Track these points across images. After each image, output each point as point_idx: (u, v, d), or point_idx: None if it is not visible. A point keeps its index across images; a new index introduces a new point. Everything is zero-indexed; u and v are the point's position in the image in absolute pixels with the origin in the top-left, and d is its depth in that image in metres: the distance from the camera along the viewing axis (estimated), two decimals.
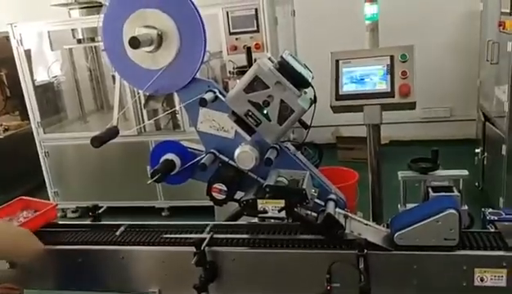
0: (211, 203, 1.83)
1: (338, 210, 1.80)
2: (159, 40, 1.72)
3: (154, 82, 1.76)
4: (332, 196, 1.84)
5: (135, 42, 1.62)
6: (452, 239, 1.65)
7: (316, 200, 1.82)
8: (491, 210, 1.89)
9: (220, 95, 1.78)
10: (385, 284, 1.73)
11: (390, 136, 5.90)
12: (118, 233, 2.02)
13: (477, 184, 4.43)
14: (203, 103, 1.71)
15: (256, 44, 3.97)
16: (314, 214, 1.82)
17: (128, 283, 1.98)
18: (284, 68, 1.69)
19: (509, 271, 1.62)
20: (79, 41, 4.96)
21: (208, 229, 1.97)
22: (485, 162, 4.18)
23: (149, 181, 1.79)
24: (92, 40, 4.98)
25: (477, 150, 4.33)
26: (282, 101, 1.67)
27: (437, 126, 6.11)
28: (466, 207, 1.82)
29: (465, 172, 1.79)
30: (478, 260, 1.65)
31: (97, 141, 1.77)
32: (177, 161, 1.85)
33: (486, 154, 4.15)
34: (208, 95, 1.74)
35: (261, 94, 1.67)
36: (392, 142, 5.85)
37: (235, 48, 4.02)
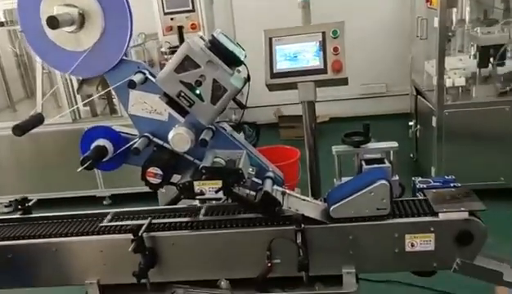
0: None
1: (275, 187, 1.81)
2: (81, 19, 1.62)
3: (79, 64, 1.67)
4: (269, 174, 1.85)
5: (53, 22, 1.52)
6: (384, 209, 1.72)
7: (254, 179, 1.83)
8: (420, 179, 1.98)
9: (150, 77, 1.73)
10: (324, 256, 1.78)
11: (330, 114, 6.04)
12: (49, 225, 1.93)
13: (411, 155, 4.64)
14: (132, 85, 1.65)
15: (192, 24, 3.87)
16: (253, 193, 1.83)
17: (65, 276, 1.91)
18: (215, 46, 1.66)
19: (436, 235, 1.72)
20: (1, 24, 4.62)
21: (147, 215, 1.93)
22: (418, 135, 4.38)
23: (79, 169, 1.71)
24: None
25: (410, 123, 4.52)
26: (215, 81, 1.64)
27: (374, 101, 6.31)
28: (397, 178, 1.90)
29: (395, 144, 1.86)
30: (408, 227, 1.73)
31: (19, 130, 1.66)
32: (109, 146, 1.78)
33: (418, 127, 4.35)
34: (138, 77, 1.68)
35: (192, 74, 1.63)
36: (332, 119, 5.99)
37: (171, 29, 3.91)
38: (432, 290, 2.76)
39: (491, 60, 3.55)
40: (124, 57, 1.75)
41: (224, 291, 1.83)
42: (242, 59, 1.73)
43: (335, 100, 6.06)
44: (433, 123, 3.70)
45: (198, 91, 1.65)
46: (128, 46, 1.70)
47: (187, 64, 1.63)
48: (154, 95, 1.74)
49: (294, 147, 4.14)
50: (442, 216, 1.71)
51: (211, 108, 1.67)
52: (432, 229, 1.72)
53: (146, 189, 1.77)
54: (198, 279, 1.86)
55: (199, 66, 1.62)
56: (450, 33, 3.92)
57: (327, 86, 2.08)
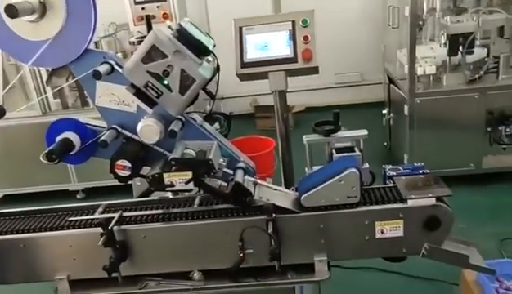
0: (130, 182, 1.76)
1: (247, 177, 1.81)
2: (43, 8, 1.57)
3: (41, 54, 1.62)
4: (241, 164, 1.84)
5: (12, 11, 1.46)
6: (354, 197, 1.73)
7: (225, 169, 1.82)
8: (390, 166, 2.00)
9: (117, 67, 1.69)
10: (295, 245, 1.79)
11: (306, 103, 6.06)
12: (16, 220, 1.88)
13: (385, 143, 4.71)
14: (97, 75, 1.61)
15: (164, 14, 3.81)
16: (224, 183, 1.82)
17: (33, 273, 1.87)
18: (183, 36, 1.63)
19: (405, 221, 1.75)
20: None
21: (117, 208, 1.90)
22: (391, 123, 4.45)
23: (48, 163, 1.66)
24: None
25: (384, 111, 4.58)
26: (183, 71, 1.62)
27: (349, 90, 6.36)
28: (367, 166, 1.92)
29: (365, 132, 1.88)
30: (378, 214, 1.75)
31: None
32: (76, 139, 1.74)
33: (391, 115, 4.41)
34: (103, 67, 1.64)
35: (160, 64, 1.60)
36: (308, 109, 6.02)
37: (142, 18, 3.83)
38: (404, 275, 2.82)
39: (461, 48, 3.61)
40: (90, 47, 1.70)
41: (197, 282, 1.82)
42: (211, 48, 1.70)
43: (311, 90, 6.09)
44: (405, 111, 3.76)
45: (166, 82, 1.62)
46: (92, 35, 1.65)
47: (154, 54, 1.60)
48: (121, 86, 1.70)
49: (270, 137, 4.15)
50: (410, 203, 1.73)
51: (180, 98, 1.64)
52: (401, 215, 1.74)
53: None
54: (170, 271, 1.85)
55: (166, 56, 1.59)
56: (421, 22, 3.97)
57: (298, 76, 2.07)
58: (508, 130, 3.70)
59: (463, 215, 3.42)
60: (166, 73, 1.60)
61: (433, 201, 1.72)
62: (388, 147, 4.67)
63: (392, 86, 4.34)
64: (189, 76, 1.62)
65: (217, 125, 4.84)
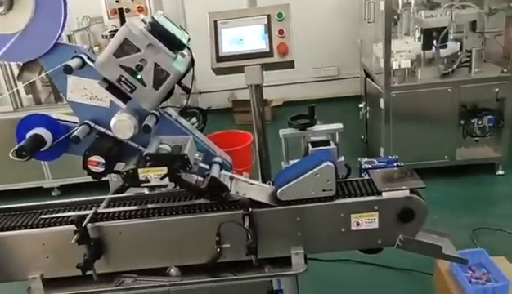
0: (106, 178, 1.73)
1: (223, 172, 1.80)
2: (10, 1, 1.52)
3: (10, 48, 1.58)
4: (217, 159, 1.83)
5: None
6: (330, 190, 1.75)
7: (201, 164, 1.80)
8: (366, 159, 2.03)
9: (89, 61, 1.65)
10: (272, 239, 1.79)
11: (284, 97, 6.08)
12: None
13: (362, 137, 4.76)
14: (68, 70, 1.57)
15: (138, 7, 3.75)
16: (200, 178, 1.80)
17: (5, 272, 1.82)
18: (156, 29, 1.60)
19: (380, 213, 1.77)
20: None
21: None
22: (368, 116, 4.50)
23: (16, 159, 1.62)
24: None
25: (360, 105, 4.63)
26: (156, 65, 1.59)
27: (327, 84, 6.40)
28: (343, 159, 1.94)
29: (340, 126, 1.89)
30: (353, 206, 1.77)
31: None
32: (47, 135, 1.70)
33: (368, 109, 4.46)
34: (74, 62, 1.60)
35: (133, 58, 1.58)
36: (286, 103, 6.04)
37: (116, 12, 3.76)
38: (380, 266, 2.86)
39: (435, 42, 3.67)
40: (61, 41, 1.66)
41: (174, 278, 1.81)
42: (185, 42, 1.68)
43: (289, 84, 6.11)
44: (381, 105, 3.80)
45: (139, 76, 1.60)
46: (62, 28, 1.61)
47: (127, 47, 1.57)
48: (93, 80, 1.67)
49: (248, 131, 4.14)
50: (385, 195, 1.76)
51: (153, 93, 1.62)
52: (376, 207, 1.76)
53: None
54: (147, 268, 1.83)
55: (139, 50, 1.57)
56: (396, 17, 4.02)
57: (274, 70, 2.06)
58: (480, 122, 3.79)
59: (437, 206, 3.52)
60: (139, 68, 1.58)
61: (406, 193, 1.75)
62: (365, 140, 4.72)
63: (368, 80, 4.38)
64: (163, 70, 1.60)
65: (194, 120, 4.80)
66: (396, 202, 1.75)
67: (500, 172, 3.92)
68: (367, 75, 4.43)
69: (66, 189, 4.43)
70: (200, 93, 6.10)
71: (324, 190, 1.74)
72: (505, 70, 3.68)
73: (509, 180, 3.84)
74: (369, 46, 4.60)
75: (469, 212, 3.42)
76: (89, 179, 1.75)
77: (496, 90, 3.66)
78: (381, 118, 3.83)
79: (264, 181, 2.12)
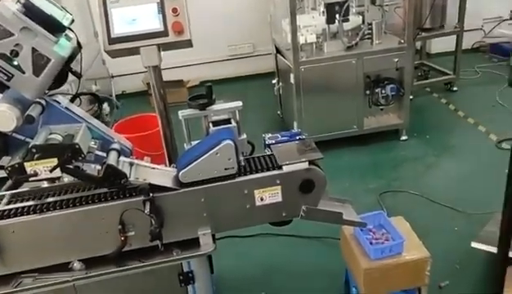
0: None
1: (122, 159, 1.74)
2: None
3: None
4: (115, 146, 1.77)
5: None
6: (232, 168, 1.76)
7: (98, 152, 1.73)
8: (269, 135, 2.05)
9: None
10: (178, 222, 1.78)
11: (200, 77, 5.99)
12: None
13: (278, 112, 4.84)
14: None
15: None
16: (99, 167, 1.73)
17: None
18: (30, 11, 1.49)
19: (282, 187, 1.82)
20: None
21: None
22: (281, 92, 4.57)
23: None
24: None
25: (273, 81, 4.68)
26: (34, 49, 1.49)
27: (243, 62, 6.38)
28: (245, 136, 1.95)
29: (240, 104, 1.89)
30: (256, 182, 1.80)
31: None
32: None
33: (281, 84, 4.52)
34: None
35: (6, 43, 1.46)
36: (203, 83, 5.94)
37: None
38: (295, 236, 2.97)
39: (337, 16, 3.78)
40: None
41: (77, 272, 1.74)
42: (66, 24, 1.58)
43: (204, 63, 6.01)
44: (291, 80, 3.87)
45: (16, 63, 1.48)
46: None
47: None
48: None
49: None
50: (285, 169, 1.80)
51: (34, 80, 1.52)
52: (278, 181, 1.81)
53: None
54: (48, 265, 1.74)
55: (12, 34, 1.45)
56: None
57: (171, 50, 2.01)
58: (383, 92, 3.99)
59: (348, 173, 3.71)
60: (15, 53, 1.47)
61: (306, 165, 1.81)
62: (281, 116, 4.81)
63: (279, 55, 4.44)
64: (42, 55, 1.50)
65: (106, 106, 4.60)
66: (296, 175, 1.81)
67: (403, 138, 4.18)
68: (278, 51, 4.48)
69: None
70: (113, 77, 5.83)
71: (226, 169, 1.75)
72: (402, 41, 3.89)
73: (412, 145, 4.12)
74: (279, 22, 4.63)
75: (377, 177, 3.63)
76: None
77: (396, 60, 3.87)
78: (292, 92, 3.91)
79: (170, 164, 2.09)
